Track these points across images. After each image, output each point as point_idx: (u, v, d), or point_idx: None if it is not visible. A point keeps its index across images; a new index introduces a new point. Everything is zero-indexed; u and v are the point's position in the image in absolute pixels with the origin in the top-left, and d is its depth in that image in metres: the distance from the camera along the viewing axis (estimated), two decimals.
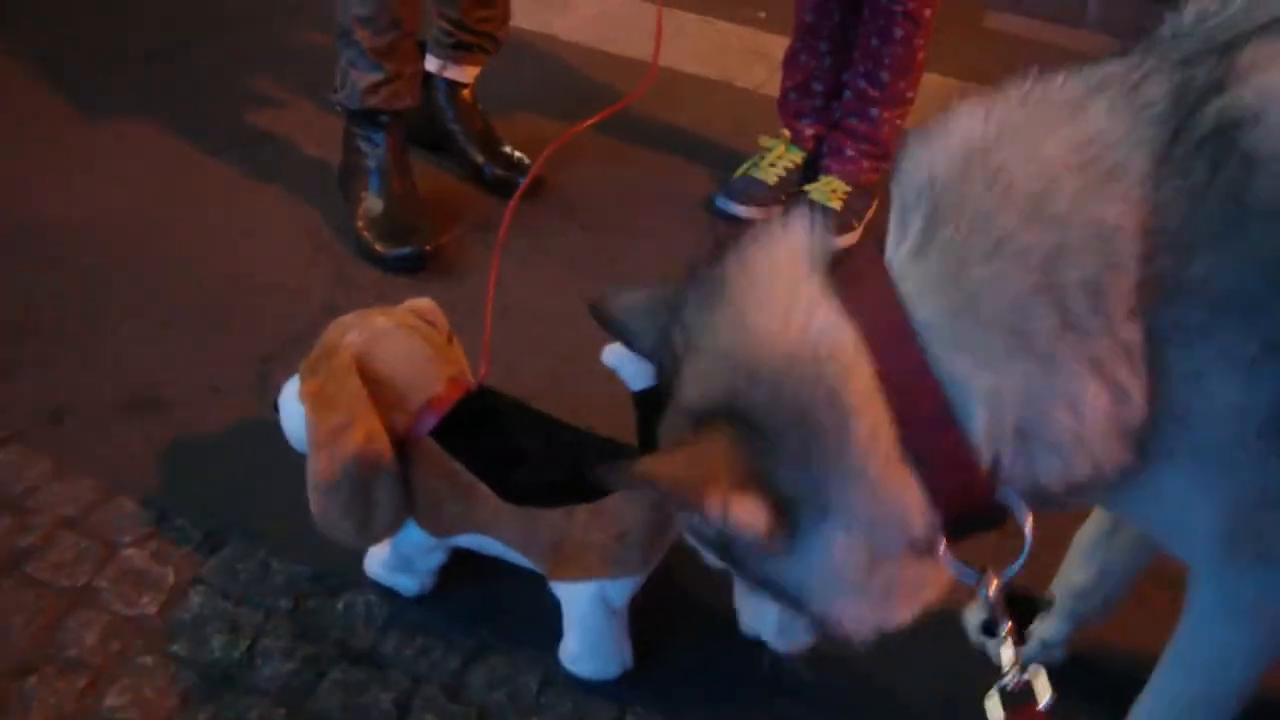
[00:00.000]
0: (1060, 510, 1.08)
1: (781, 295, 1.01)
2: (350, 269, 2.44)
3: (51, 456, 1.92)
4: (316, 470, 1.49)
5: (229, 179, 2.66)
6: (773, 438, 0.98)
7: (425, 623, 1.72)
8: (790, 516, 1.00)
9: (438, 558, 1.67)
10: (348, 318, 1.57)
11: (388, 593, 1.75)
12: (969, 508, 1.00)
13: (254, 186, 2.63)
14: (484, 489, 1.51)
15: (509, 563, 1.63)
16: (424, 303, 1.65)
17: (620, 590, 1.53)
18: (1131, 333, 0.93)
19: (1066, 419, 0.95)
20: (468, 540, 1.60)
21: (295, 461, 1.62)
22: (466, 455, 1.52)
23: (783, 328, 1.00)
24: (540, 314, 2.30)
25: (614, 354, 1.39)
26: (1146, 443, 0.97)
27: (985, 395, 0.95)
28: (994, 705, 1.08)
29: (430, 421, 1.53)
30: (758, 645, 1.39)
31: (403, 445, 1.53)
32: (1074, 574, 1.55)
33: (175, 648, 1.66)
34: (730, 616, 1.40)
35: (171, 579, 1.75)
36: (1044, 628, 1.57)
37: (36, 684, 1.59)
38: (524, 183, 1.95)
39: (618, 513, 1.46)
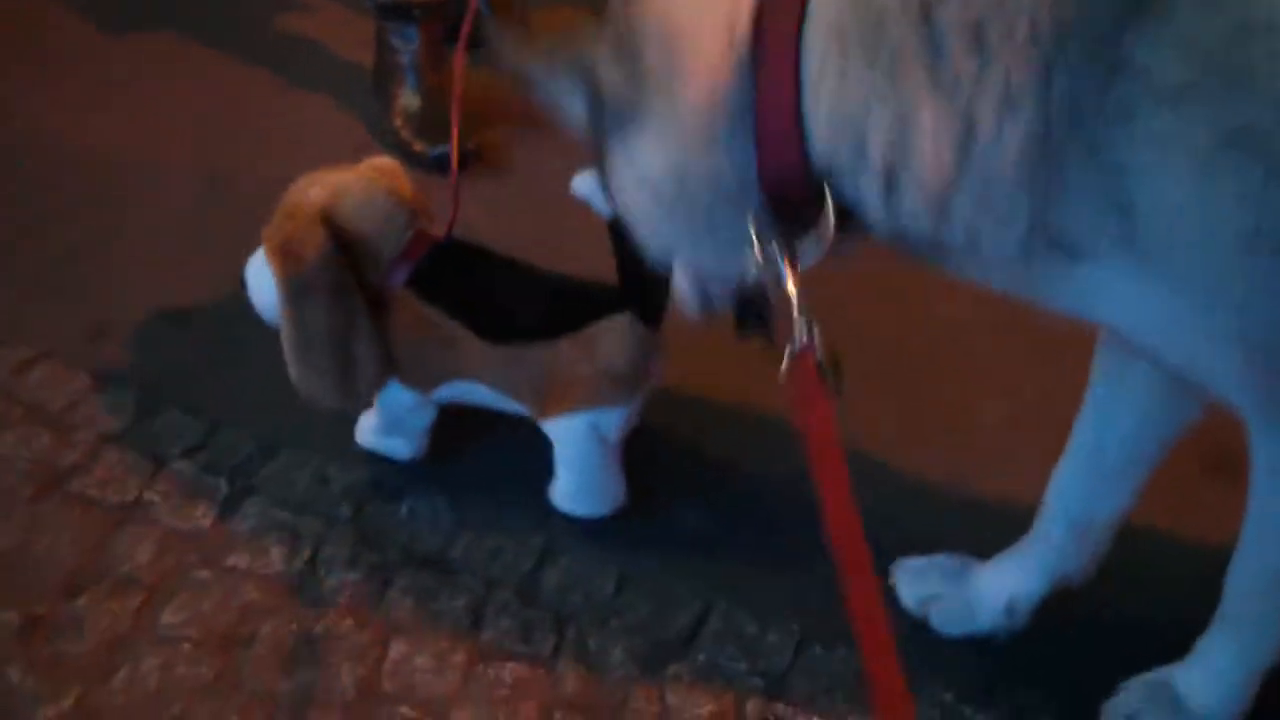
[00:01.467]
0: (927, 258, 1.02)
1: None
2: None
3: (90, 372, 1.80)
4: (287, 332, 1.45)
5: (262, 87, 2.52)
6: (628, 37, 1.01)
7: (492, 524, 1.59)
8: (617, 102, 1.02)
9: (427, 415, 1.61)
10: (304, 178, 1.50)
11: (452, 495, 1.64)
12: (787, 190, 0.97)
13: (288, 93, 2.49)
14: (465, 333, 1.47)
15: (499, 411, 1.58)
16: (386, 161, 1.58)
17: (611, 421, 1.49)
18: (1018, 73, 0.85)
19: (898, 136, 0.90)
20: (453, 391, 1.55)
21: None
22: (444, 302, 1.48)
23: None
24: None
25: (584, 183, 1.35)
26: (1075, 230, 0.90)
27: (832, 97, 0.92)
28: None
29: (404, 272, 1.48)
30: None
31: (378, 299, 1.48)
32: (1051, 525, 1.39)
33: (233, 560, 1.55)
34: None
35: (225, 490, 1.64)
36: (1016, 587, 1.42)
37: (88, 604, 1.49)
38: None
39: (601, 342, 1.44)
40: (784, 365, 0.99)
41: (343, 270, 1.44)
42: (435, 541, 1.59)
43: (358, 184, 1.49)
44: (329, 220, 1.44)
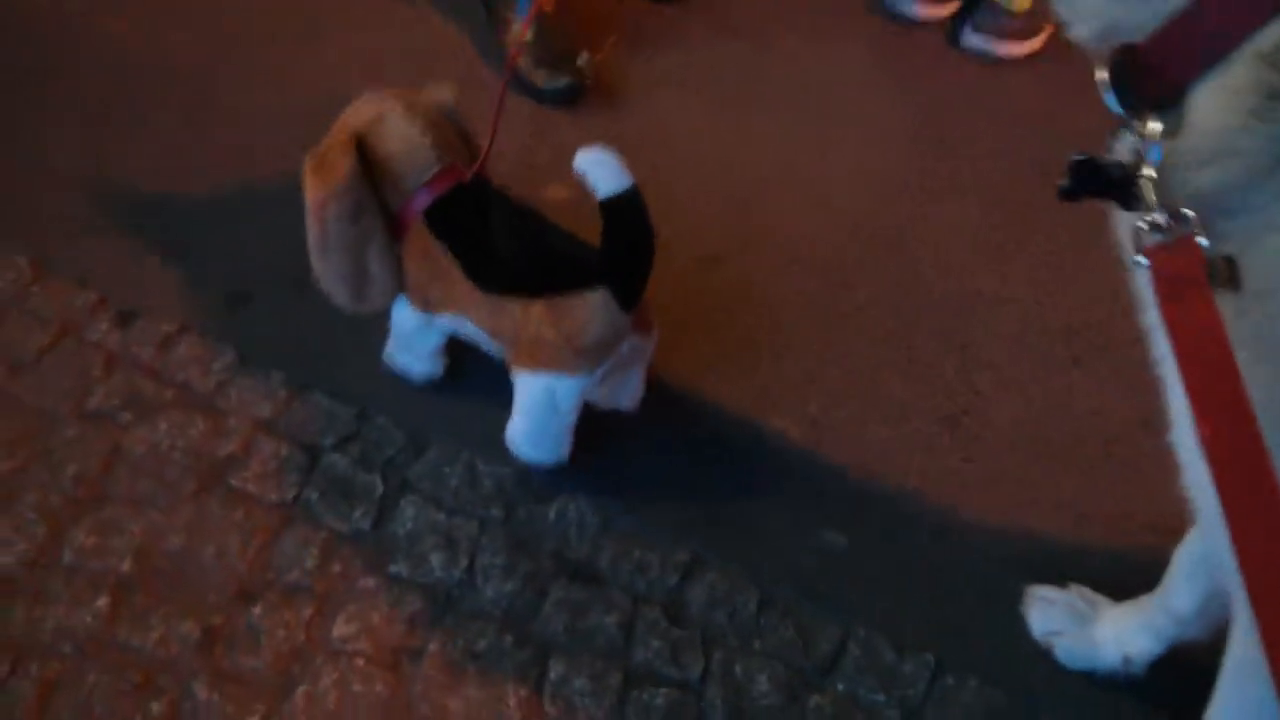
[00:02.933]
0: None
1: None
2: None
3: (235, 347, 1.81)
4: (312, 236, 1.55)
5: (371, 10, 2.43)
6: None
7: (637, 532, 1.65)
8: None
9: (433, 338, 1.71)
10: (370, 94, 1.60)
11: (596, 498, 1.69)
12: None
13: (399, 14, 2.40)
14: (459, 273, 1.55)
15: (494, 357, 1.67)
16: (447, 89, 1.66)
17: (567, 390, 1.56)
18: None
19: None
20: (450, 321, 1.65)
21: (488, 359, 1.65)
22: (450, 239, 1.56)
23: None
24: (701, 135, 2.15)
25: (584, 160, 1.43)
26: None
27: None
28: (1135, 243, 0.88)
29: (422, 202, 1.56)
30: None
31: (397, 222, 1.59)
32: (1174, 598, 1.40)
33: (396, 568, 1.60)
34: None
35: (380, 488, 1.68)
36: (1133, 645, 1.46)
37: (262, 614, 1.55)
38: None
39: (572, 312, 1.48)
40: (1145, 246, 0.86)
41: (366, 191, 1.53)
42: (583, 549, 1.64)
43: (399, 112, 1.57)
44: (363, 143, 1.54)
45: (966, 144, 2.26)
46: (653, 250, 1.48)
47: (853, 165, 2.21)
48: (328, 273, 1.58)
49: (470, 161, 1.62)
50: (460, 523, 1.65)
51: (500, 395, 1.65)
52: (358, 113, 1.58)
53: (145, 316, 1.85)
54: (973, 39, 2.42)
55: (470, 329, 1.62)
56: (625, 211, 1.45)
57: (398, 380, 1.79)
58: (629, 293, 1.48)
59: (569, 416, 1.61)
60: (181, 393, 1.77)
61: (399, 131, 1.57)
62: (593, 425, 1.70)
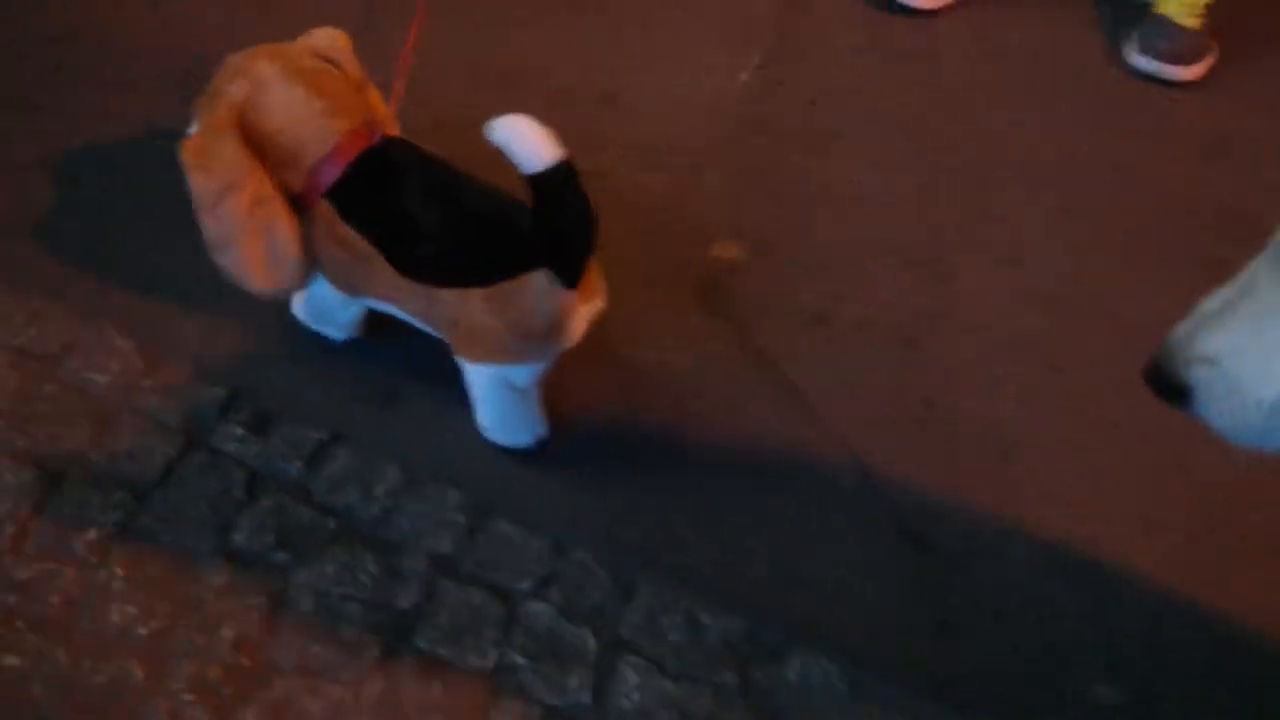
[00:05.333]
0: None
1: None
2: None
3: (396, 459, 1.51)
4: (206, 233, 1.36)
5: None
6: None
7: (890, 699, 1.39)
8: None
9: (354, 311, 1.54)
10: (236, 58, 1.39)
11: (837, 654, 1.44)
12: None
13: None
14: (381, 260, 1.38)
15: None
16: (328, 36, 1.47)
17: (523, 374, 1.43)
18: None
19: None
20: (375, 305, 1.48)
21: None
22: (361, 220, 1.38)
23: None
24: None
25: (502, 129, 1.24)
26: None
27: None
28: None
29: (326, 179, 1.38)
30: None
31: (299, 202, 1.40)
32: None
33: None
34: None
35: (592, 646, 1.40)
36: None
37: None
38: None
39: (513, 299, 1.33)
40: None
41: (256, 175, 1.34)
42: None
43: (281, 81, 1.37)
44: (249, 119, 1.35)
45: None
46: (591, 223, 1.30)
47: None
48: (233, 265, 1.39)
49: (369, 117, 1.41)
50: (690, 690, 1.39)
51: (710, 516, 1.47)
52: (228, 83, 1.36)
53: (286, 420, 1.52)
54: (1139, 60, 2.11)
55: (403, 316, 1.46)
56: (558, 187, 1.27)
57: (589, 497, 1.51)
58: (572, 269, 1.32)
59: (532, 394, 1.47)
60: (344, 523, 1.46)
61: (288, 101, 1.37)
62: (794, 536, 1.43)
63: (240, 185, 1.34)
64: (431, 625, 1.41)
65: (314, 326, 1.58)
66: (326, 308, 1.54)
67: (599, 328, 1.47)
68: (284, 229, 1.38)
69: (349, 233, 1.38)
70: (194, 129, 1.41)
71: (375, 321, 1.59)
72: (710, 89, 1.98)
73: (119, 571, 1.41)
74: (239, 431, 1.52)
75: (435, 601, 1.43)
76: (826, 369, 1.67)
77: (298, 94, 1.37)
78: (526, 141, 1.24)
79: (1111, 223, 1.93)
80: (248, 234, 1.36)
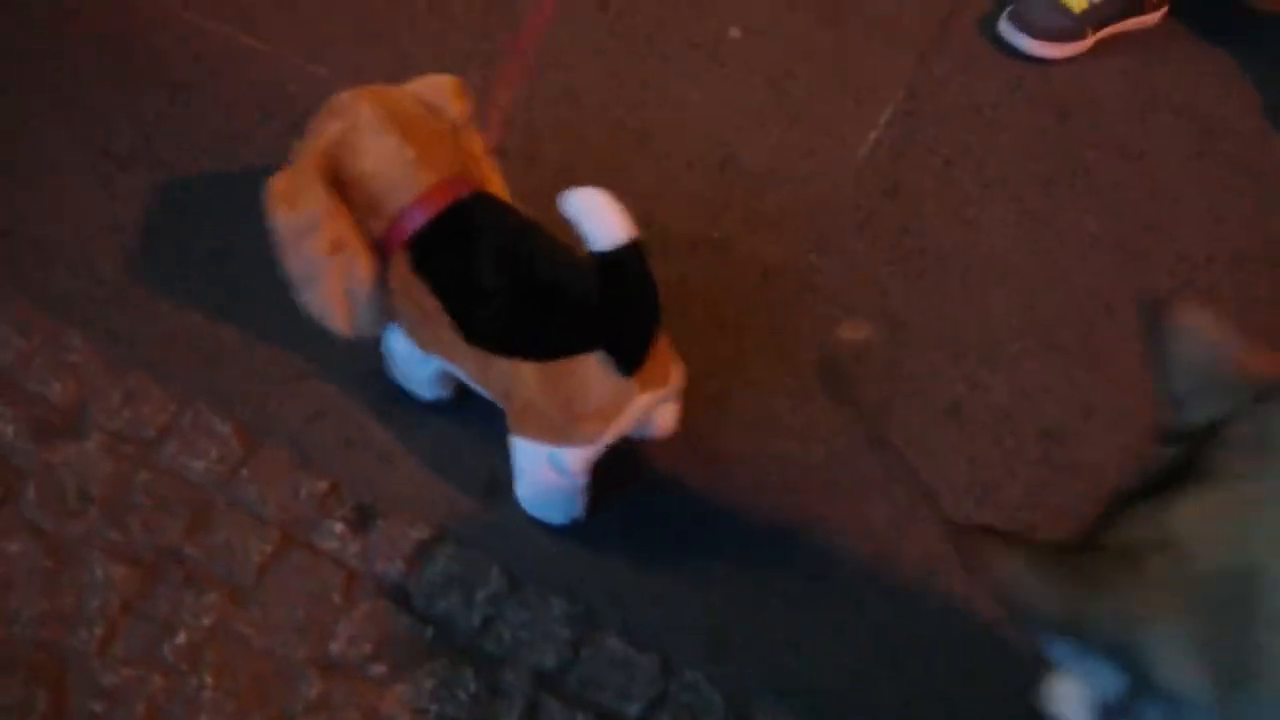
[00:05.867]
0: None
1: None
2: None
3: (499, 561, 1.41)
4: (288, 270, 1.34)
5: None
6: None
7: None
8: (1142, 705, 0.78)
9: (432, 368, 1.46)
10: (340, 97, 1.36)
11: None
12: None
13: None
14: (444, 318, 1.32)
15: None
16: (437, 83, 1.42)
17: (571, 457, 1.34)
18: None
19: None
20: (442, 364, 1.42)
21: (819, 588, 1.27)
22: (434, 275, 1.32)
23: None
24: None
25: (575, 204, 1.19)
26: None
27: None
28: None
29: (407, 229, 1.33)
30: None
31: (380, 249, 1.35)
32: None
33: None
34: None
35: None
36: None
37: None
38: None
39: (565, 380, 1.27)
40: None
41: (339, 216, 1.31)
42: None
43: (375, 126, 1.33)
44: (338, 162, 1.32)
45: None
46: (656, 307, 1.25)
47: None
48: (313, 304, 1.36)
49: (465, 168, 1.37)
50: None
51: (832, 632, 1.36)
52: (326, 123, 1.34)
53: (387, 514, 1.44)
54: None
55: (465, 379, 1.40)
56: (624, 268, 1.21)
57: (701, 610, 1.39)
58: (630, 355, 1.25)
59: (578, 479, 1.39)
60: (444, 632, 1.37)
61: (373, 145, 1.33)
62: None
63: (322, 224, 1.31)
64: None
65: (401, 384, 1.53)
66: (407, 363, 1.49)
67: (711, 417, 1.35)
68: (362, 270, 1.34)
69: (419, 286, 1.34)
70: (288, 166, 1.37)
71: (482, 404, 1.49)
72: (837, 149, 1.84)
73: (209, 680, 1.35)
74: (339, 528, 1.44)
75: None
76: (960, 466, 1.53)
77: (391, 141, 1.33)
78: (597, 217, 1.19)
79: None
80: (328, 272, 1.33)
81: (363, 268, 1.35)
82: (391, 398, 1.54)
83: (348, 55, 1.87)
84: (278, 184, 1.33)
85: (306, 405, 1.54)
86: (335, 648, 1.37)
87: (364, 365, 1.56)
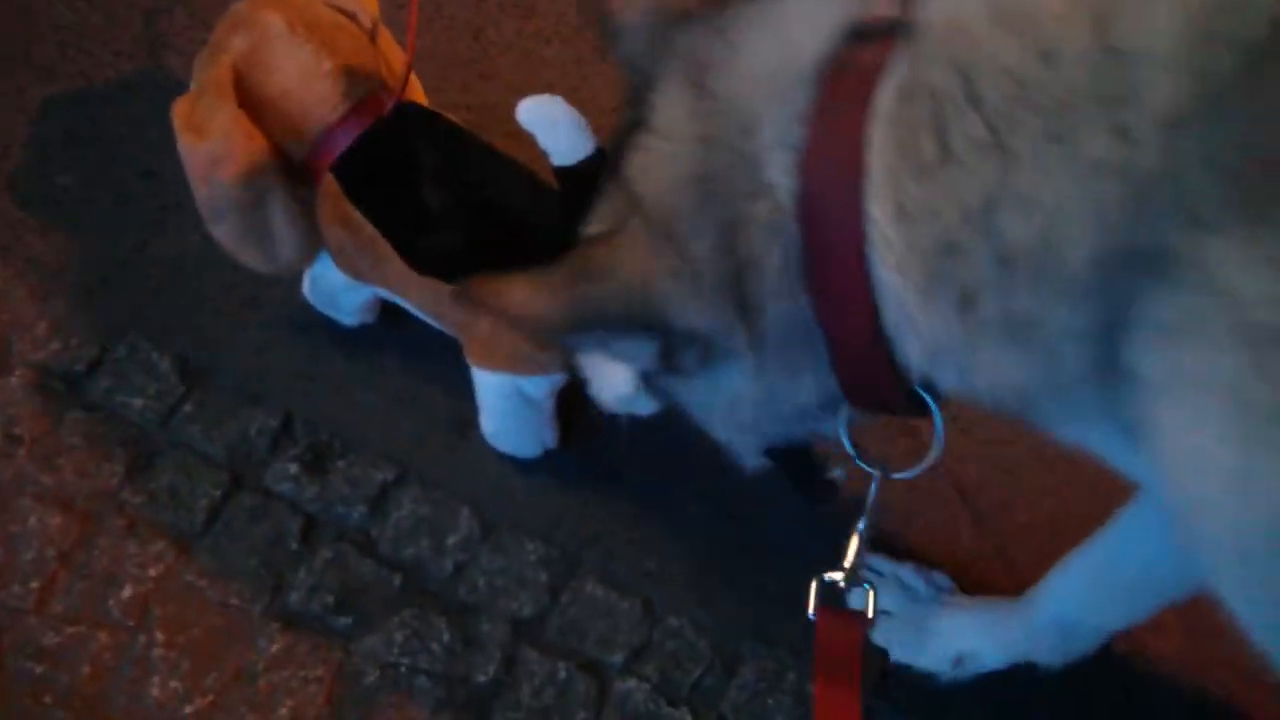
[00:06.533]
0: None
1: (766, 84, 0.77)
2: None
3: (470, 505, 1.32)
4: (199, 200, 1.20)
5: None
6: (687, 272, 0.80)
7: None
8: (679, 356, 0.85)
9: (365, 295, 1.37)
10: (241, 6, 1.21)
11: None
12: (878, 395, 0.83)
13: None
14: (388, 247, 1.20)
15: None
16: None
17: (536, 385, 1.29)
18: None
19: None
20: (384, 294, 1.32)
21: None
22: (371, 201, 1.21)
23: (741, 135, 0.78)
24: None
25: (531, 112, 1.10)
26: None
27: (920, 329, 0.76)
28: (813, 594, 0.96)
29: (333, 151, 1.20)
30: None
31: (301, 174, 1.22)
32: (1040, 610, 1.21)
33: None
34: None
35: None
36: (972, 648, 1.25)
37: None
38: None
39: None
40: (814, 602, 0.95)
41: (253, 143, 1.16)
42: None
43: (287, 38, 1.18)
44: (248, 79, 1.18)
45: None
46: None
47: None
48: (226, 239, 1.23)
49: (385, 79, 1.22)
50: None
51: None
52: (229, 37, 1.19)
53: (346, 455, 1.34)
54: None
55: (413, 310, 1.30)
56: (589, 182, 1.07)
57: (686, 554, 1.33)
58: None
59: (545, 405, 1.33)
60: (413, 580, 1.28)
61: (293, 63, 1.18)
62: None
63: (235, 153, 1.16)
64: (513, 702, 1.24)
65: (321, 309, 1.41)
66: (333, 290, 1.37)
67: None
68: (282, 203, 1.21)
69: (354, 214, 1.21)
70: (192, 87, 1.23)
71: (442, 336, 1.38)
72: None
73: (159, 636, 1.25)
74: (293, 469, 1.33)
75: (516, 674, 1.25)
76: None
77: (305, 52, 1.18)
78: (558, 129, 1.10)
79: None
80: (242, 206, 1.20)
81: (282, 197, 1.21)
82: (344, 325, 1.42)
83: None
84: (181, 108, 1.19)
85: (252, 336, 1.43)
86: (295, 598, 1.27)
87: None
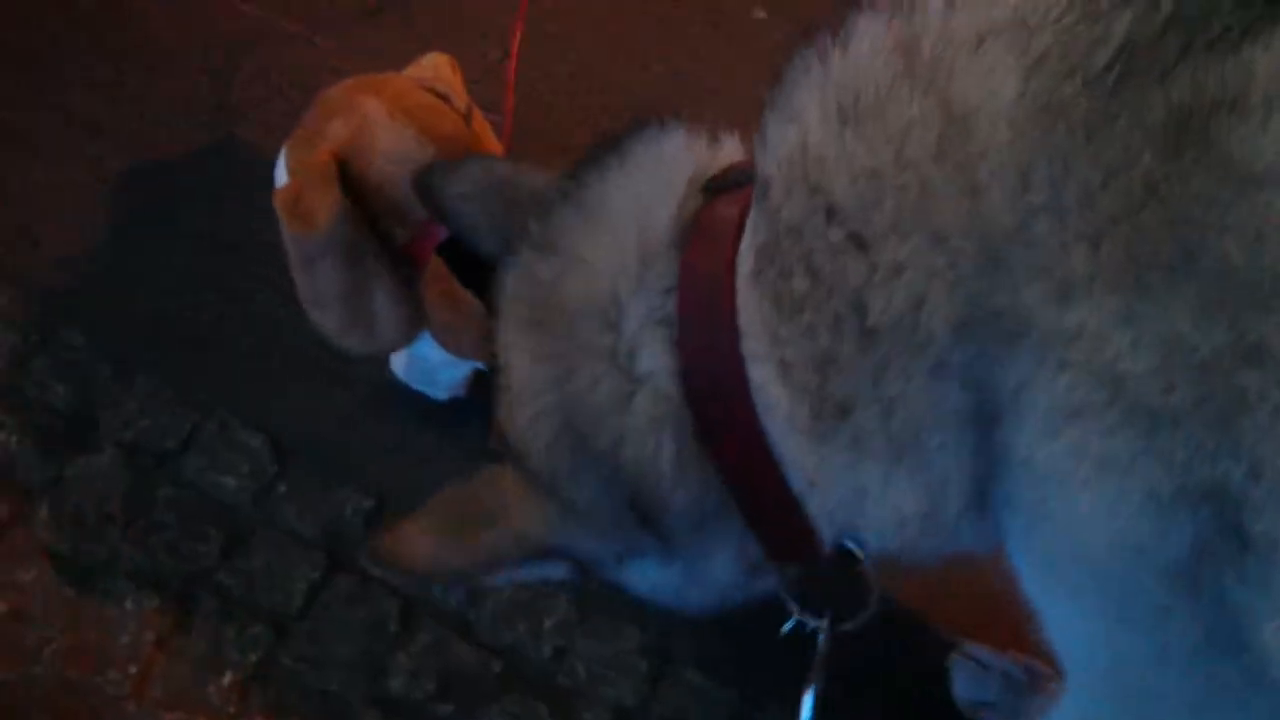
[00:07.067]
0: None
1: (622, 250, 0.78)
2: None
3: (559, 584, 1.31)
4: (302, 288, 1.21)
5: None
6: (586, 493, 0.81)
7: None
8: (594, 568, 0.88)
9: (461, 371, 1.36)
10: (334, 92, 1.21)
11: None
12: (801, 552, 0.83)
13: None
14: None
15: None
16: (434, 64, 1.30)
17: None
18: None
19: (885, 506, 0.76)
20: (483, 365, 1.30)
21: None
22: (478, 279, 1.13)
23: (603, 315, 0.78)
24: None
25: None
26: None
27: (817, 476, 0.76)
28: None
29: (437, 236, 1.19)
30: None
31: (406, 258, 1.22)
32: None
33: None
34: None
35: None
36: None
37: None
38: None
39: None
40: None
41: (359, 230, 1.16)
42: None
43: (387, 124, 1.17)
44: (350, 167, 1.17)
45: None
46: None
47: None
48: (327, 325, 1.23)
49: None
50: None
51: None
52: (325, 123, 1.18)
53: None
54: None
55: None
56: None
57: (764, 637, 1.31)
58: None
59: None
60: (512, 665, 1.27)
61: (395, 148, 1.17)
62: None
63: (339, 243, 1.16)
64: None
65: (415, 386, 1.40)
66: (431, 368, 1.36)
67: None
68: (385, 288, 1.21)
69: (461, 292, 1.21)
70: (282, 172, 1.23)
71: None
72: None
73: None
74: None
75: None
76: None
77: (407, 137, 1.17)
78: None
79: None
80: (346, 294, 1.20)
81: (387, 283, 1.21)
82: (431, 401, 1.41)
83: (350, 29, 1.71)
84: (284, 197, 1.16)
85: (339, 412, 1.41)
86: (396, 684, 1.26)
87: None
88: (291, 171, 1.21)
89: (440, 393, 1.41)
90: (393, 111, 1.19)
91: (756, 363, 0.74)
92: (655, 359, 0.77)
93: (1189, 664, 0.70)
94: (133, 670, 1.25)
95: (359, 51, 1.63)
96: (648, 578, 0.91)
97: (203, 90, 1.63)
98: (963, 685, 1.28)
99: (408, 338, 1.29)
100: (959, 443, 0.71)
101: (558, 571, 0.91)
